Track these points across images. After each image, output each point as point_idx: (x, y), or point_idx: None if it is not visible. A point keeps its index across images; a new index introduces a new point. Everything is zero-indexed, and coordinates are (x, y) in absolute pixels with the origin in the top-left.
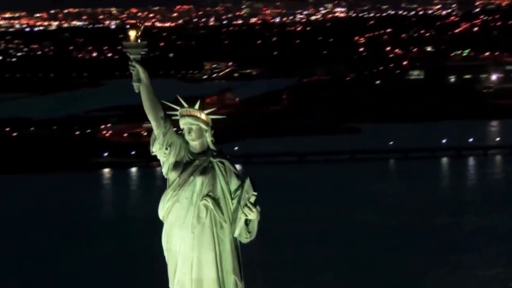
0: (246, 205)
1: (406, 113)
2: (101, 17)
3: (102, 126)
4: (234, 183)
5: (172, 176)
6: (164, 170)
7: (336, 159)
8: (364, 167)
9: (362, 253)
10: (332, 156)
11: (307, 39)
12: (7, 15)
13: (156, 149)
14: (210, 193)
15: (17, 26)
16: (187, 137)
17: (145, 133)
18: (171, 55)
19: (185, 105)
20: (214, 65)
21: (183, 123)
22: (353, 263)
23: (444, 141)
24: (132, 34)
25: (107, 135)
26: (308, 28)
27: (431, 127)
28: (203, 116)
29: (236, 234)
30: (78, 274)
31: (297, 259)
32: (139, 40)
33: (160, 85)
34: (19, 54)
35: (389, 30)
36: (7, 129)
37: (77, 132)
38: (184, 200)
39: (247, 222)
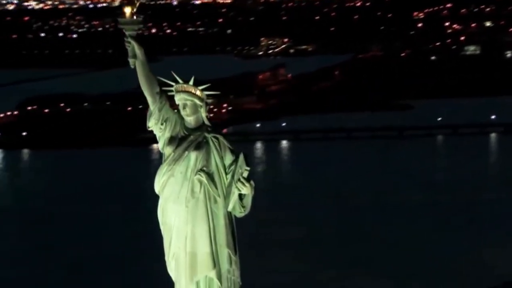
0: (239, 179)
1: (460, 89)
2: None
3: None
4: (229, 158)
5: (167, 151)
6: (160, 145)
7: (384, 135)
8: (412, 143)
9: (404, 231)
10: (380, 132)
11: (366, 15)
12: None
13: (152, 124)
14: (204, 168)
15: (81, 2)
16: (182, 112)
17: None
18: (229, 31)
19: (180, 81)
20: (270, 41)
21: (178, 98)
22: (395, 240)
23: (493, 117)
24: (128, 10)
25: None
26: (367, 4)
27: (482, 102)
28: (197, 92)
29: (229, 208)
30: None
31: (334, 236)
32: (134, 17)
33: (216, 61)
34: (80, 30)
35: (449, 5)
36: (62, 104)
37: (129, 108)
38: (179, 174)
39: (241, 196)
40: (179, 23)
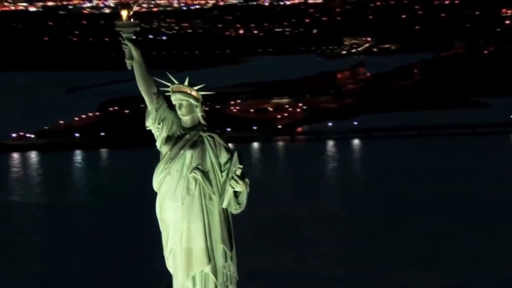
0: (232, 177)
1: None
2: None
3: (232, 102)
4: (224, 157)
5: (164, 149)
6: (158, 143)
7: (456, 133)
8: (484, 140)
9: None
10: (452, 130)
11: (454, 12)
12: None
13: (150, 124)
14: (199, 166)
15: (175, 5)
16: (178, 112)
17: (271, 109)
18: (315, 31)
19: (176, 81)
20: (353, 41)
21: (174, 99)
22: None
23: None
24: (124, 13)
25: (234, 110)
26: (456, 1)
27: None
28: (193, 92)
29: (224, 205)
30: None
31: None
32: (131, 20)
33: (300, 61)
34: (170, 32)
35: None
36: (142, 105)
37: (206, 108)
38: (175, 172)
39: (237, 194)
40: (266, 24)
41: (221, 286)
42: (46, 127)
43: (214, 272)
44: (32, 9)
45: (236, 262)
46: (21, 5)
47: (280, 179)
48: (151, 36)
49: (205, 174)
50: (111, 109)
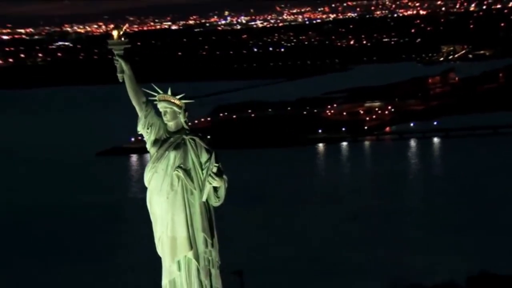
0: (210, 174)
1: None
2: (373, 8)
3: (329, 106)
4: (204, 156)
5: (152, 151)
6: (148, 145)
7: None
8: None
9: None
10: None
11: None
12: (295, 10)
13: (140, 129)
14: (182, 165)
15: (300, 20)
16: (164, 118)
17: (362, 112)
18: (418, 40)
19: (160, 92)
20: (451, 48)
21: (160, 106)
22: None
23: None
24: (115, 33)
25: (328, 114)
26: None
27: None
28: (176, 100)
29: (204, 198)
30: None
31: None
32: (122, 38)
33: (399, 68)
34: (288, 44)
35: None
36: (249, 111)
37: (304, 112)
38: (161, 171)
39: (216, 189)
40: (376, 35)
41: (202, 270)
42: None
43: (196, 257)
44: (174, 27)
45: (218, 248)
46: (166, 24)
47: (364, 175)
48: (270, 48)
49: (187, 172)
50: (221, 114)
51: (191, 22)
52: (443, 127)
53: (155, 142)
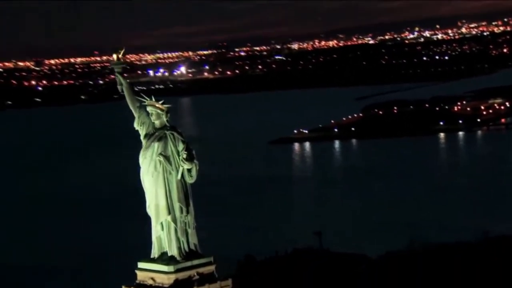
0: (182, 159)
1: None
2: None
3: (458, 103)
4: (181, 146)
5: (143, 142)
6: (141, 138)
7: None
8: None
9: None
10: None
11: None
12: (473, 24)
13: (136, 126)
14: (162, 153)
15: (473, 32)
16: (151, 118)
17: (483, 107)
18: None
19: (148, 99)
20: None
21: (148, 109)
22: None
23: None
24: (115, 56)
25: (455, 109)
26: None
27: None
28: (159, 105)
29: (179, 177)
30: None
31: None
32: (121, 60)
33: None
34: (452, 53)
35: None
36: (395, 108)
37: (437, 108)
38: (148, 157)
39: (190, 170)
40: None
41: (179, 229)
42: (320, 125)
43: (174, 220)
44: (371, 41)
45: (194, 214)
46: (366, 39)
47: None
48: (437, 57)
49: (166, 158)
50: (372, 111)
51: (387, 37)
52: None
53: (146, 135)
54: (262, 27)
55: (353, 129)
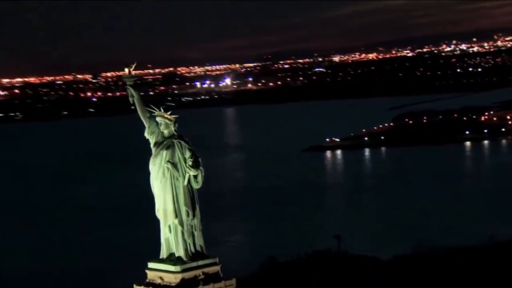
0: (188, 166)
1: None
2: None
3: (486, 113)
4: (187, 153)
5: (153, 150)
6: (151, 146)
7: None
8: None
9: None
10: None
11: None
12: (508, 38)
13: (146, 135)
14: (170, 160)
15: (509, 45)
16: (160, 127)
17: (508, 117)
18: None
19: (157, 110)
20: None
21: (157, 119)
22: None
23: None
24: (126, 70)
25: (482, 119)
26: None
27: None
28: (167, 115)
29: (185, 183)
30: None
31: None
32: (132, 73)
33: None
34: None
35: None
36: (424, 118)
37: (464, 118)
38: (157, 164)
39: (196, 176)
40: None
41: (186, 232)
42: (351, 134)
43: (181, 223)
44: (409, 54)
45: (200, 218)
46: (404, 52)
47: (498, 167)
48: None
49: (174, 165)
50: (402, 120)
51: (424, 50)
52: None
53: (155, 144)
54: (306, 41)
55: (382, 137)
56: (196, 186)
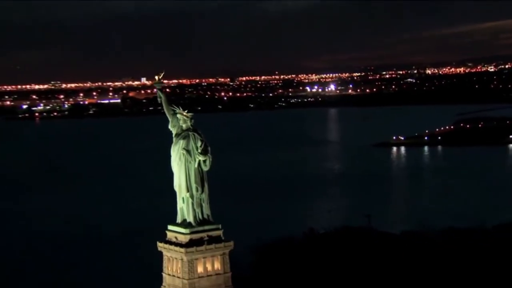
0: (198, 153)
1: None
2: None
3: None
4: (199, 143)
5: (174, 139)
6: (173, 136)
7: None
8: None
9: None
10: None
11: None
12: None
13: (170, 127)
14: (185, 147)
15: None
16: (179, 122)
17: None
18: None
19: (177, 108)
20: None
21: (178, 116)
22: None
23: None
24: (156, 77)
25: None
26: None
27: None
28: (185, 112)
29: (196, 166)
30: None
31: None
32: (161, 80)
33: None
34: None
35: None
36: (481, 122)
37: (508, 121)
38: (176, 150)
39: (205, 161)
40: None
41: (196, 203)
42: (416, 133)
43: (191, 196)
44: (492, 69)
45: (208, 193)
46: (489, 67)
47: None
48: None
49: (188, 152)
50: (461, 124)
51: (506, 66)
52: None
53: (176, 135)
54: (407, 55)
55: (439, 138)
56: (205, 168)
